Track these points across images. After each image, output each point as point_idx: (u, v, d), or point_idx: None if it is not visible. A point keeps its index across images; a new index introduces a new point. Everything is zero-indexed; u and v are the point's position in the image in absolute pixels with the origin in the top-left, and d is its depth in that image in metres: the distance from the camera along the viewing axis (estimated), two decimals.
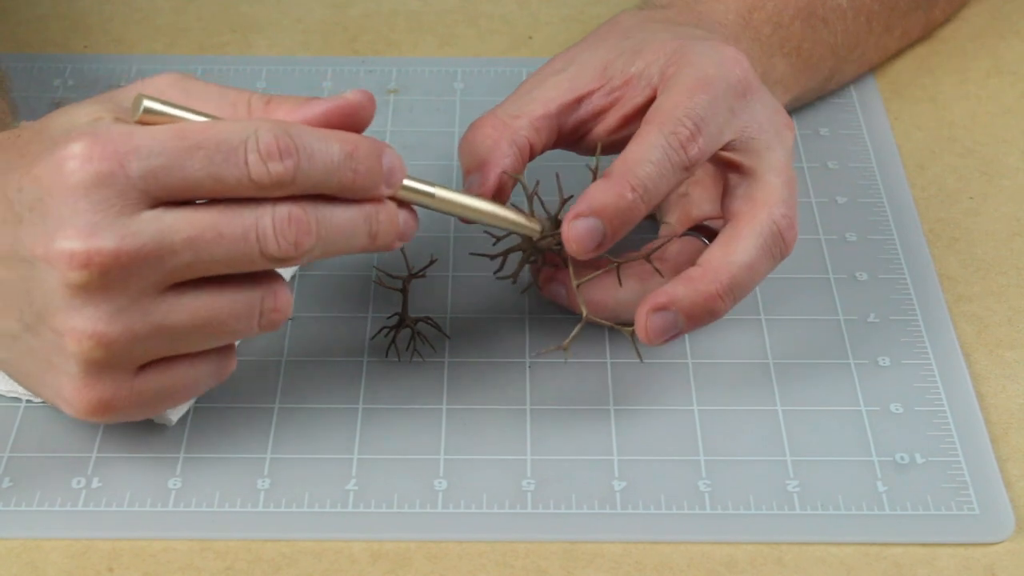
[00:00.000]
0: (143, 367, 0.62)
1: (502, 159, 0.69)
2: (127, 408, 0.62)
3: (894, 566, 0.64)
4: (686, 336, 0.73)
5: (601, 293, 0.70)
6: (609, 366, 0.72)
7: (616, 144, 0.71)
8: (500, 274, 0.73)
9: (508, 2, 0.98)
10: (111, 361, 0.61)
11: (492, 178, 0.69)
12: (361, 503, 0.66)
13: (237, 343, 0.67)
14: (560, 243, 0.67)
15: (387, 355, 0.72)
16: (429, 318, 0.73)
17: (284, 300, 0.63)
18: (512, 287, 0.74)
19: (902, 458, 0.68)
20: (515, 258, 0.72)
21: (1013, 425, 0.70)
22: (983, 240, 0.80)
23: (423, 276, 0.71)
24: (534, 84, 0.72)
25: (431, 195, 0.65)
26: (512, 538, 0.65)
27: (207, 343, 0.63)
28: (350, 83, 0.90)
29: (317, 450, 0.68)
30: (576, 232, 0.65)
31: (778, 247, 0.68)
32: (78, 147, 0.58)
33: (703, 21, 0.77)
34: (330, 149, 0.61)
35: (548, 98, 0.71)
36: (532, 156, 0.71)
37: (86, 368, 0.61)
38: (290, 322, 0.74)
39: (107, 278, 0.59)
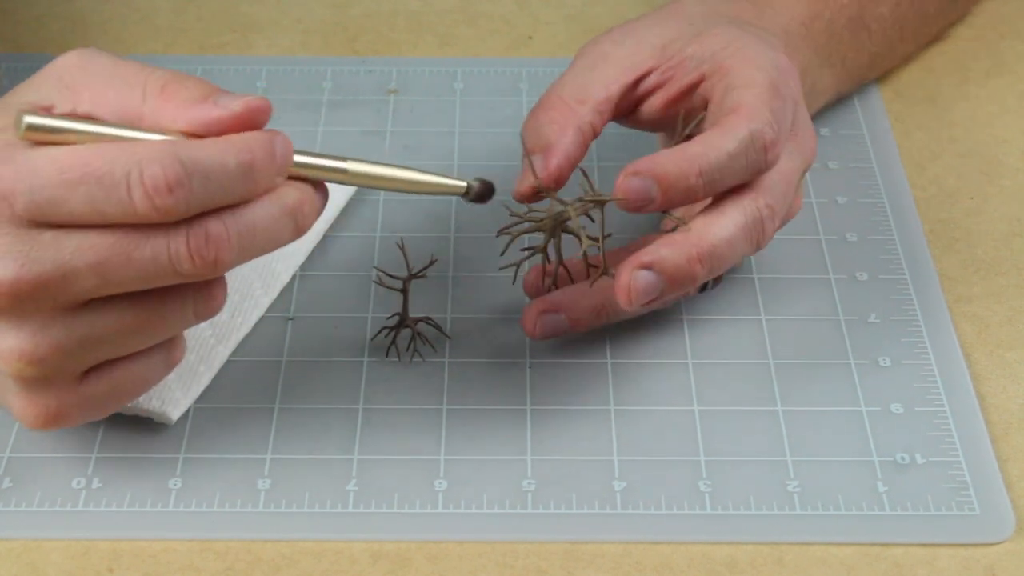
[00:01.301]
0: (88, 372, 0.61)
1: (568, 145, 0.69)
2: (79, 413, 0.62)
3: (894, 566, 0.64)
4: (686, 336, 0.73)
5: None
6: (609, 366, 0.72)
7: (658, 122, 0.72)
8: (505, 262, 0.71)
9: (508, 2, 0.98)
10: (47, 375, 0.60)
11: (554, 163, 0.69)
12: (361, 503, 0.66)
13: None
14: (582, 224, 0.67)
15: (387, 355, 0.72)
16: (429, 318, 0.73)
17: (216, 288, 0.61)
18: (513, 287, 0.74)
19: (902, 458, 0.68)
20: (515, 253, 0.71)
21: (1013, 425, 0.70)
22: (983, 240, 0.80)
23: (423, 276, 0.71)
24: (595, 60, 0.72)
25: (343, 171, 0.63)
26: (512, 538, 0.65)
27: (144, 343, 0.61)
28: (350, 83, 0.90)
29: (317, 450, 0.68)
30: (629, 185, 0.65)
31: (757, 232, 0.68)
32: None
33: (767, 22, 0.77)
34: (225, 164, 0.58)
35: (609, 79, 0.71)
36: (594, 138, 0.71)
37: (25, 385, 0.60)
38: (290, 322, 0.74)
39: (15, 304, 0.58)
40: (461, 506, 0.66)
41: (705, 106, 0.71)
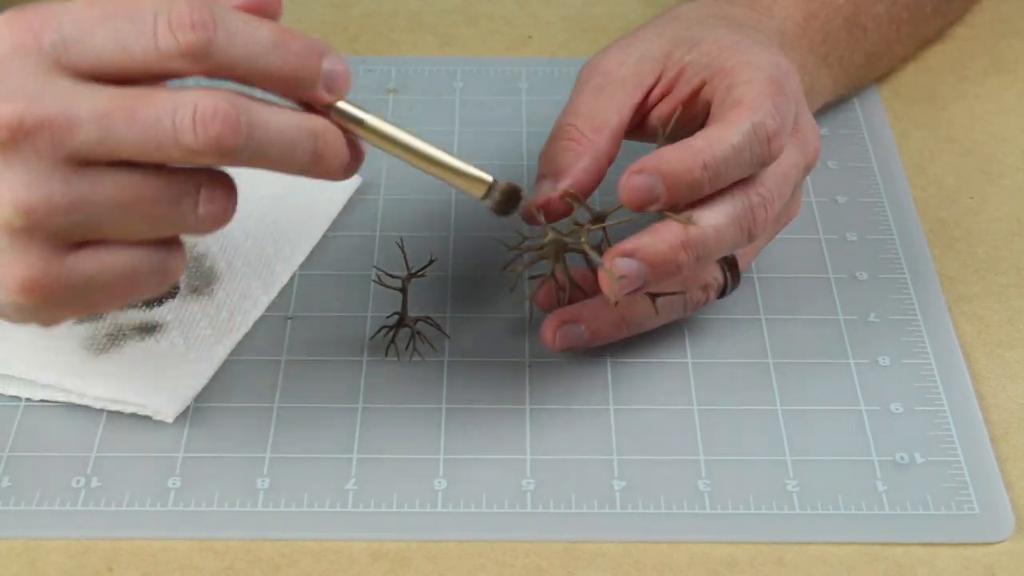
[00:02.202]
0: (76, 247, 0.59)
1: (580, 171, 0.69)
2: (60, 290, 0.59)
3: (894, 566, 0.64)
4: (686, 335, 0.73)
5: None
6: (609, 366, 0.72)
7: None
8: (508, 274, 0.71)
9: (508, 2, 0.98)
10: (34, 231, 0.58)
11: (567, 183, 0.68)
12: (361, 503, 0.66)
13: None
14: (591, 244, 0.67)
15: (387, 354, 0.72)
16: (429, 317, 0.73)
17: (224, 190, 0.60)
18: (514, 287, 0.75)
19: (902, 458, 0.68)
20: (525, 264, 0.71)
21: (1013, 425, 0.70)
22: (983, 239, 0.80)
23: (423, 276, 0.71)
24: (602, 82, 0.72)
25: (360, 121, 0.61)
26: (512, 538, 0.65)
27: (140, 228, 0.59)
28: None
29: (317, 449, 0.68)
30: (633, 183, 0.65)
31: (747, 220, 0.67)
32: (1, 21, 0.58)
33: (763, 24, 0.77)
34: (257, 32, 0.58)
35: (620, 103, 0.71)
36: (610, 164, 0.71)
37: (11, 239, 0.58)
38: (290, 321, 0.74)
39: (16, 141, 0.57)
40: (460, 505, 0.66)
41: (706, 112, 0.70)
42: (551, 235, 0.68)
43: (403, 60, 0.92)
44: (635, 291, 0.66)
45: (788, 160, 0.69)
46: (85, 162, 0.58)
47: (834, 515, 0.65)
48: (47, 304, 0.60)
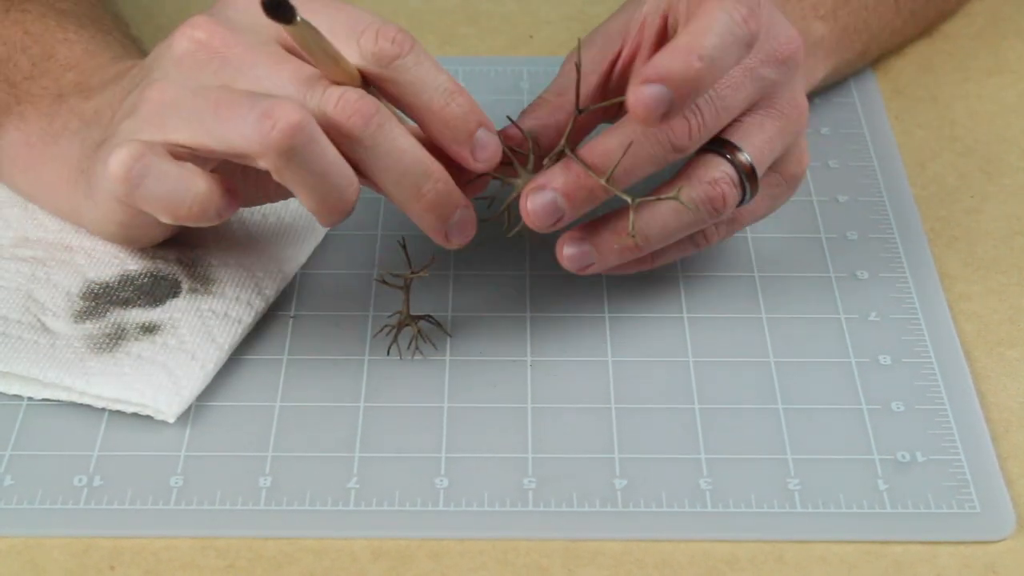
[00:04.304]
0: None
1: (535, 120, 0.71)
2: (143, 176, 0.64)
3: (895, 564, 0.64)
4: (687, 334, 0.73)
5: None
6: (610, 364, 0.72)
7: None
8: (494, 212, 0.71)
9: (508, 1, 0.98)
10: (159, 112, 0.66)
11: (526, 121, 0.70)
12: (363, 501, 0.66)
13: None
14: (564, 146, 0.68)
15: (388, 353, 0.72)
16: (430, 316, 0.73)
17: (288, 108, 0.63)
18: (514, 288, 0.75)
19: (903, 456, 0.68)
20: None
21: (1014, 423, 0.70)
22: (984, 239, 0.80)
23: (425, 275, 0.72)
24: (570, 63, 0.73)
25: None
26: (513, 536, 0.65)
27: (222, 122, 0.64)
28: None
29: (318, 448, 0.68)
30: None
31: (743, 29, 0.66)
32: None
33: None
34: (438, 75, 0.66)
35: (596, 58, 0.72)
36: (569, 119, 0.70)
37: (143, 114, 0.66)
38: (292, 320, 0.74)
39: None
40: (462, 504, 0.66)
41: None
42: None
43: None
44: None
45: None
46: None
47: (835, 513, 0.65)
48: (132, 176, 0.65)
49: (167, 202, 0.65)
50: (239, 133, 0.63)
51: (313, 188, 0.64)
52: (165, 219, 0.65)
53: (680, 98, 0.64)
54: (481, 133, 0.67)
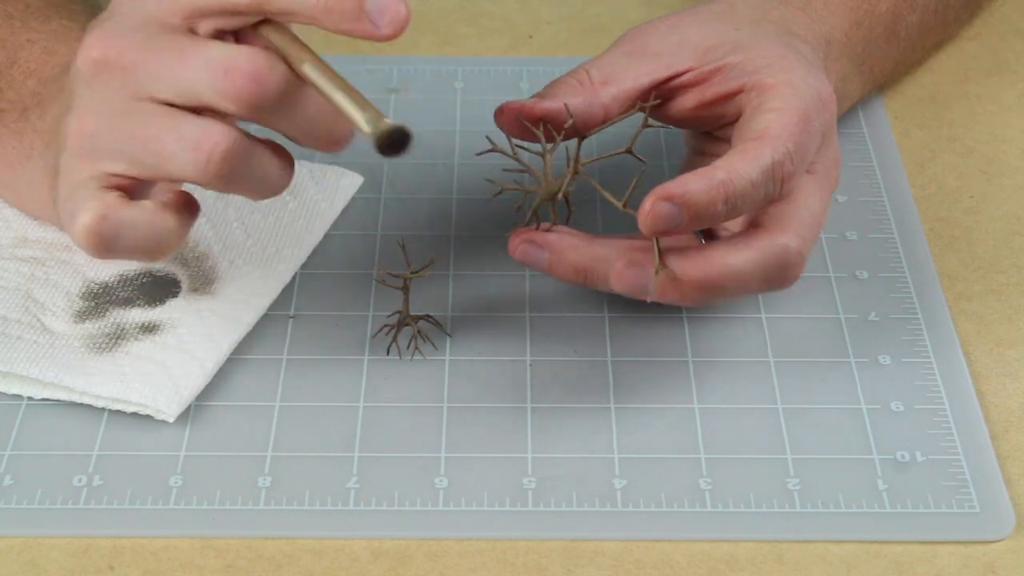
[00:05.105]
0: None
1: (571, 106, 0.70)
2: (113, 239, 0.63)
3: (894, 564, 0.64)
4: (687, 334, 0.73)
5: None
6: (610, 364, 0.72)
7: (686, 120, 0.72)
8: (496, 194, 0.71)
9: (508, 1, 0.98)
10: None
11: (547, 105, 0.69)
12: (362, 501, 0.66)
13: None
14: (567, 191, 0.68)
15: (388, 353, 0.72)
16: (430, 316, 0.73)
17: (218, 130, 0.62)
18: (513, 288, 0.75)
19: (902, 456, 0.68)
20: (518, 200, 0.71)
21: (1013, 423, 0.70)
22: (983, 238, 0.80)
23: (424, 275, 0.72)
24: (634, 48, 0.72)
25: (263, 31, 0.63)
26: (513, 536, 0.65)
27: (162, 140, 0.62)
28: (351, 82, 0.90)
29: (318, 448, 0.68)
30: (658, 211, 0.65)
31: (778, 176, 0.67)
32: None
33: (814, 30, 0.77)
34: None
35: (642, 72, 0.72)
36: (603, 122, 0.71)
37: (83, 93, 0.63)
38: (291, 320, 0.74)
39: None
40: (462, 504, 0.66)
41: (735, 115, 0.70)
42: (545, 186, 0.69)
43: (404, 60, 0.92)
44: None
45: (813, 196, 0.69)
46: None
47: (835, 513, 0.66)
48: (111, 242, 0.63)
49: (145, 249, 0.64)
50: (176, 167, 0.62)
51: (254, 188, 0.64)
52: (149, 261, 0.65)
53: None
54: (369, 2, 0.62)
